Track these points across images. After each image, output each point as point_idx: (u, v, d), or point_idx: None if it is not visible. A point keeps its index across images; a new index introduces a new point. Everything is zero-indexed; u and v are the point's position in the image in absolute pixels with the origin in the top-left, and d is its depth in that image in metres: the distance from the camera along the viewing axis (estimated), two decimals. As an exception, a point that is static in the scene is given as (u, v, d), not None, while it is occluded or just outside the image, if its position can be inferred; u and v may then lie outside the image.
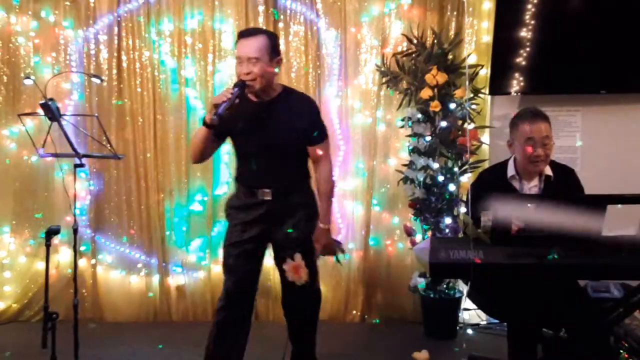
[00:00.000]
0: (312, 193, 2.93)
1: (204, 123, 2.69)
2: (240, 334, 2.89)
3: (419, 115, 3.99)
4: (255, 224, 2.81)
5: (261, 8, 4.21)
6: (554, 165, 2.96)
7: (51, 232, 3.02)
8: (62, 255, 4.33)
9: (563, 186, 2.91)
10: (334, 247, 2.94)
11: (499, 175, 2.96)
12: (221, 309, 2.87)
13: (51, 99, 2.94)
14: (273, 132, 2.75)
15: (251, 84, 2.69)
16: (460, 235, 3.94)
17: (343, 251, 3.01)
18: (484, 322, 4.11)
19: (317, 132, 2.85)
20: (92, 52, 4.26)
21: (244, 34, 2.78)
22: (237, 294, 2.85)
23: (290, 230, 2.80)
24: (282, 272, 2.89)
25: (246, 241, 2.82)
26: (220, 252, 4.19)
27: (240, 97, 2.67)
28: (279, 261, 2.87)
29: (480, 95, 4.08)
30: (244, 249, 2.83)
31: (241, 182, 2.88)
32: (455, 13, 4.15)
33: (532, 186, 2.93)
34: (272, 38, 2.80)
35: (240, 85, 2.66)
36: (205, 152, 2.83)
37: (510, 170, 2.94)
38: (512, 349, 2.81)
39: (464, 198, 3.99)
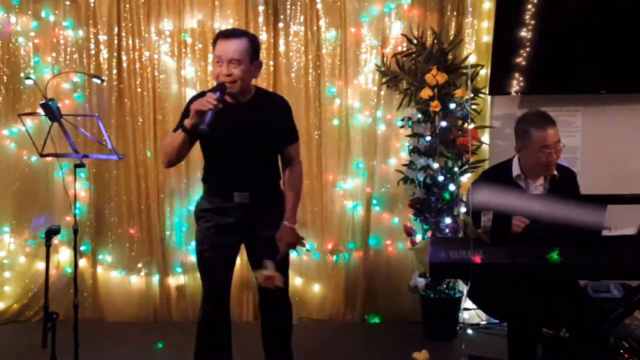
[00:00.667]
0: (282, 194, 2.92)
1: (184, 129, 2.61)
2: (228, 329, 2.95)
3: (419, 115, 4.00)
4: (231, 227, 2.77)
5: (261, 8, 4.21)
6: (558, 166, 2.97)
7: (51, 232, 3.01)
8: (62, 255, 4.33)
9: (568, 187, 2.92)
10: (297, 243, 2.92)
11: (503, 174, 2.96)
12: (207, 313, 2.89)
13: (51, 99, 2.94)
14: (251, 134, 2.73)
15: (230, 86, 2.65)
16: (460, 235, 3.95)
17: (304, 245, 2.99)
18: (484, 322, 4.11)
19: (290, 132, 2.89)
20: (92, 52, 4.26)
21: (225, 34, 2.72)
22: (219, 296, 2.89)
23: (266, 233, 2.80)
24: (256, 271, 2.89)
25: (224, 245, 2.80)
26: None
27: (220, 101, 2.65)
28: (255, 263, 2.85)
29: (480, 95, 4.09)
30: (222, 252, 2.81)
31: (215, 185, 2.81)
32: (455, 13, 4.15)
33: (538, 185, 2.94)
34: (254, 41, 2.76)
35: (221, 90, 2.61)
36: (180, 157, 2.75)
37: (516, 170, 2.95)
38: (512, 349, 2.81)
39: (464, 198, 3.99)
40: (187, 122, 2.61)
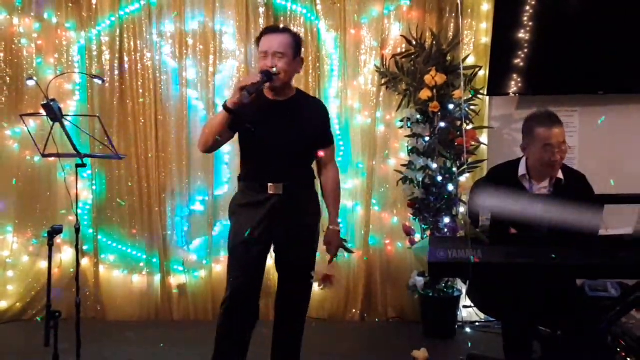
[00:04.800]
0: (317, 194, 2.95)
1: (226, 108, 2.64)
2: (252, 328, 2.90)
3: (418, 116, 4.02)
4: (263, 222, 2.77)
5: (262, 10, 4.23)
6: (566, 169, 2.98)
7: (54, 232, 3.03)
8: (65, 255, 4.36)
9: (574, 191, 2.92)
10: (342, 246, 2.98)
11: (509, 173, 2.98)
12: (231, 310, 2.81)
13: (53, 100, 2.96)
14: (290, 131, 2.74)
15: (275, 77, 2.69)
16: (459, 234, 3.97)
17: (349, 249, 3.05)
18: (483, 321, 4.13)
19: (328, 136, 2.93)
20: (94, 53, 4.29)
21: (270, 30, 2.82)
22: (248, 292, 2.84)
23: (298, 230, 2.81)
24: (281, 270, 2.92)
25: (256, 240, 2.78)
26: (222, 252, 4.29)
27: (259, 93, 2.68)
28: (282, 259, 2.88)
29: (478, 96, 4.11)
30: (253, 248, 2.79)
31: (250, 179, 2.83)
32: (453, 14, 4.18)
33: (542, 187, 2.95)
34: (297, 38, 2.83)
35: (267, 73, 2.65)
36: (218, 140, 2.74)
37: (522, 170, 2.97)
38: (507, 348, 2.83)
39: (463, 198, 4.02)
40: (230, 101, 2.64)
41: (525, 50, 3.99)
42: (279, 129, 2.74)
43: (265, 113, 2.72)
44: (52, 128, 3.01)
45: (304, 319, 2.99)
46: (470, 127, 4.06)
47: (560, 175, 2.94)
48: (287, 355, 2.98)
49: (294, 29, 4.24)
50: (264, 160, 2.76)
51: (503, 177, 2.98)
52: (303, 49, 2.91)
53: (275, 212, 2.76)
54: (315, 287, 4.18)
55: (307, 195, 2.89)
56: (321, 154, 2.89)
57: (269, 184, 2.75)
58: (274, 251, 2.93)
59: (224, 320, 2.84)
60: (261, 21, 4.23)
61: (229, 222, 2.93)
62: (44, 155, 3.13)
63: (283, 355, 2.98)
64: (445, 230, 4.01)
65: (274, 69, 2.67)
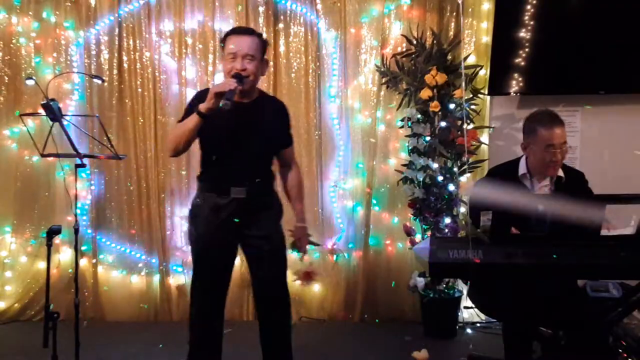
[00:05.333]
0: (277, 194, 2.95)
1: (200, 114, 2.61)
2: (222, 328, 2.93)
3: (419, 116, 4.01)
4: (227, 226, 2.76)
5: (261, 9, 4.22)
6: (565, 167, 2.98)
7: (52, 232, 3.02)
8: (63, 255, 4.34)
9: (574, 189, 2.92)
10: (310, 241, 3.02)
11: (510, 173, 2.98)
12: (201, 313, 2.85)
13: (52, 99, 2.95)
14: (253, 135, 2.74)
15: (246, 80, 2.68)
16: (460, 234, 3.96)
17: (316, 243, 3.09)
18: (484, 322, 4.13)
19: (289, 135, 2.96)
20: (93, 52, 4.28)
21: (239, 31, 2.78)
22: (217, 295, 2.87)
23: (263, 232, 2.81)
24: (253, 270, 2.90)
25: (221, 242, 2.79)
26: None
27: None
28: (251, 260, 2.87)
29: (479, 95, 4.10)
30: (219, 250, 2.80)
31: (212, 180, 2.80)
32: (454, 14, 4.17)
33: (543, 185, 2.95)
34: (264, 40, 2.83)
35: (238, 77, 2.64)
36: (188, 144, 2.73)
37: (522, 169, 2.97)
38: (508, 349, 2.82)
39: (464, 198, 4.00)
40: (203, 106, 2.61)
41: (526, 50, 3.98)
42: (243, 132, 2.73)
43: (229, 115, 2.67)
44: (51, 128, 3.00)
45: (289, 318, 2.96)
46: (471, 126, 4.05)
47: (560, 173, 2.94)
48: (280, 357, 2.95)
49: (296, 28, 4.25)
50: (226, 163, 2.75)
51: (503, 176, 2.98)
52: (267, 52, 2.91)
53: (239, 214, 2.75)
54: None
55: (269, 195, 2.89)
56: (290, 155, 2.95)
57: (232, 188, 2.73)
58: (245, 254, 2.91)
59: (192, 340, 2.87)
60: (261, 20, 4.22)
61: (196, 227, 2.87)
62: (43, 155, 3.12)
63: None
64: (446, 230, 4.00)
65: (244, 72, 2.67)
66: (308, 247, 3.01)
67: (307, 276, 2.72)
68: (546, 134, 2.83)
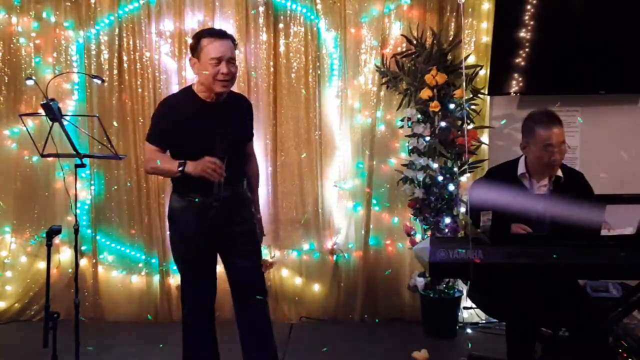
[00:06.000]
0: (246, 189, 3.02)
1: (182, 172, 2.68)
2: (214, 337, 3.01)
3: (419, 116, 4.01)
4: (211, 224, 2.76)
5: (261, 9, 4.22)
6: (564, 167, 2.98)
7: (52, 232, 3.02)
8: (63, 255, 4.34)
9: (573, 189, 2.92)
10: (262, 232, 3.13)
11: (509, 173, 2.98)
12: (192, 314, 2.92)
13: (52, 99, 2.95)
14: (231, 132, 2.76)
15: (228, 85, 2.75)
16: (461, 234, 3.96)
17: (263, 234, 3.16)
18: (484, 322, 4.13)
19: (252, 130, 3.06)
20: (93, 52, 4.27)
21: (220, 34, 2.78)
22: (207, 295, 2.94)
23: (243, 227, 2.90)
24: (235, 262, 2.94)
25: (206, 241, 2.81)
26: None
27: (191, 96, 2.79)
28: (232, 254, 2.93)
29: (479, 95, 4.10)
30: (205, 249, 2.84)
31: (192, 183, 2.77)
32: (454, 14, 4.17)
33: (542, 185, 2.95)
34: (236, 44, 2.88)
35: (224, 158, 2.69)
36: None
37: (521, 168, 2.97)
38: (510, 349, 2.82)
39: (464, 198, 4.00)
40: (189, 170, 2.68)
41: (526, 50, 3.98)
42: (215, 129, 2.73)
43: (200, 115, 2.72)
44: (51, 128, 3.00)
45: (267, 311, 3.02)
46: (471, 126, 4.05)
47: (559, 173, 2.94)
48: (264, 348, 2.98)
49: (296, 28, 4.25)
50: None
51: (502, 176, 2.98)
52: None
53: (222, 212, 2.75)
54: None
55: (243, 191, 2.95)
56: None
57: (214, 186, 2.72)
58: (225, 248, 2.94)
59: (187, 337, 2.94)
60: (260, 20, 4.22)
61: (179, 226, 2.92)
62: (43, 155, 3.12)
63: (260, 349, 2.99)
64: (446, 230, 4.00)
65: (226, 82, 2.74)
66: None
67: (269, 266, 2.86)
68: (544, 134, 2.84)
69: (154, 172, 2.94)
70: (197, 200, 2.79)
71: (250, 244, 2.94)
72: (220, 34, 2.79)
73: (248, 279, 2.95)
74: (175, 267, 4.31)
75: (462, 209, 3.99)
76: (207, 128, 2.74)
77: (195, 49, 2.77)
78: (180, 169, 2.70)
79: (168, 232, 3.09)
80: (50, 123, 2.97)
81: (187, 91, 2.86)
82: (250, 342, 2.97)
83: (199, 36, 2.79)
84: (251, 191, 3.05)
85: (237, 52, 2.88)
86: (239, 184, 2.93)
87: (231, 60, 2.74)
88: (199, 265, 2.86)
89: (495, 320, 3.87)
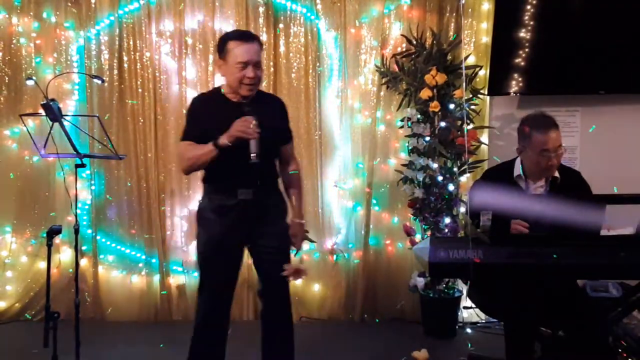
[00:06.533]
0: (282, 194, 2.95)
1: (217, 145, 2.63)
2: (226, 332, 2.91)
3: (419, 116, 4.01)
4: (234, 225, 2.75)
5: (261, 9, 4.22)
6: (561, 167, 2.97)
7: (52, 232, 3.02)
8: (64, 255, 4.34)
9: (570, 188, 2.92)
10: (306, 238, 3.05)
11: (505, 174, 2.97)
12: (207, 315, 2.83)
13: (52, 100, 2.95)
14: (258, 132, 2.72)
15: (251, 93, 2.71)
16: (460, 234, 3.96)
17: (312, 240, 3.03)
18: (484, 321, 4.13)
19: (289, 131, 2.96)
20: (93, 52, 4.28)
21: (247, 37, 2.74)
22: (223, 297, 2.86)
23: (272, 230, 2.81)
24: (261, 270, 2.88)
25: (229, 244, 2.77)
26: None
27: (220, 97, 2.76)
28: (260, 259, 2.86)
29: (479, 95, 4.10)
30: (227, 252, 2.79)
31: (218, 183, 2.78)
32: (454, 14, 4.17)
33: (538, 186, 2.94)
34: (262, 44, 2.84)
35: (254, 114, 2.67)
36: (204, 168, 2.77)
37: (517, 170, 2.96)
38: (509, 349, 2.82)
39: (464, 198, 4.01)
40: (223, 141, 2.62)
41: (526, 50, 3.99)
42: None
43: (229, 115, 2.66)
44: (51, 128, 3.01)
45: (292, 317, 2.95)
46: (470, 126, 4.06)
47: (556, 173, 2.93)
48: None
49: (296, 28, 4.25)
50: (232, 163, 2.71)
51: (499, 178, 2.97)
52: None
53: (246, 216, 2.74)
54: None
55: (275, 195, 2.89)
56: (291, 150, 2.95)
57: (239, 190, 2.72)
58: (252, 254, 2.89)
59: (195, 344, 2.85)
60: (261, 20, 4.22)
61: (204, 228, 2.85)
62: (43, 155, 3.12)
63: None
64: (446, 230, 4.00)
65: (252, 86, 2.70)
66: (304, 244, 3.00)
67: (297, 273, 2.74)
68: (541, 139, 2.82)
69: (191, 163, 2.74)
70: (222, 201, 2.75)
71: (278, 251, 2.82)
72: (248, 37, 2.74)
73: (274, 288, 2.85)
74: (175, 267, 4.35)
75: (462, 209, 3.99)
76: (229, 125, 2.66)
77: (221, 51, 2.73)
78: (214, 143, 2.63)
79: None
80: (51, 123, 2.97)
81: (216, 91, 2.83)
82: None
83: (226, 38, 2.74)
84: (289, 195, 2.96)
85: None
86: (271, 187, 2.86)
87: (258, 64, 2.70)
88: (219, 266, 2.79)
89: (494, 320, 3.88)
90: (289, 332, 2.92)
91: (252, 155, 2.60)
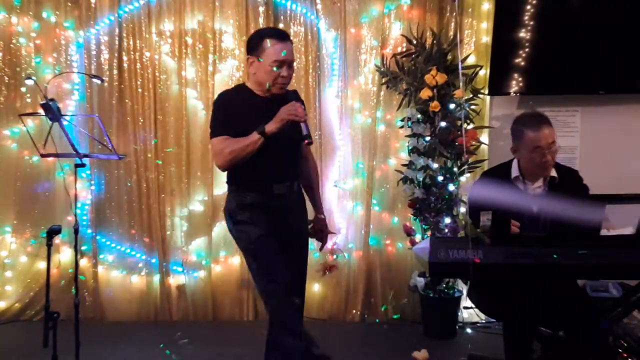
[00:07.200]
0: (301, 188, 2.93)
1: (262, 134, 2.57)
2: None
3: (419, 116, 4.01)
4: (272, 221, 2.69)
5: (261, 9, 4.22)
6: (558, 166, 2.97)
7: (52, 232, 3.02)
8: (64, 255, 4.34)
9: (568, 188, 2.91)
10: (330, 232, 3.01)
11: (502, 176, 2.96)
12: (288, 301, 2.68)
13: (52, 100, 2.95)
14: (288, 126, 2.66)
15: (282, 92, 2.69)
16: (460, 234, 3.96)
17: (333, 232, 3.03)
18: (484, 321, 4.13)
19: (309, 127, 2.89)
20: (93, 52, 4.27)
21: (284, 36, 2.71)
22: (290, 283, 2.70)
23: (300, 224, 2.82)
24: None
25: (271, 235, 2.69)
26: (220, 252, 4.29)
27: (247, 92, 2.73)
28: (289, 254, 2.76)
29: (479, 95, 4.10)
30: (274, 243, 2.69)
31: (252, 181, 2.71)
32: (454, 14, 4.16)
33: (536, 187, 2.93)
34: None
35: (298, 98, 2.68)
36: (245, 161, 2.66)
37: (514, 171, 2.95)
38: (508, 349, 2.82)
39: (464, 198, 4.00)
40: (270, 128, 2.57)
41: (526, 50, 3.99)
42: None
43: (260, 111, 2.63)
44: (51, 128, 3.00)
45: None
46: (470, 126, 4.05)
47: (553, 173, 2.93)
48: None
49: (296, 28, 4.25)
50: (266, 160, 2.65)
51: (497, 179, 2.97)
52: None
53: (281, 212, 2.71)
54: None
55: (299, 190, 2.88)
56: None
57: (274, 185, 2.70)
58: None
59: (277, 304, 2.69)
60: (261, 20, 4.22)
61: (232, 226, 2.77)
62: (42, 155, 3.12)
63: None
64: (446, 230, 4.00)
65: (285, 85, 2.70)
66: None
67: (331, 268, 2.73)
68: (533, 136, 2.82)
69: (234, 155, 2.62)
70: (256, 197, 2.70)
71: (300, 249, 2.80)
72: (284, 36, 2.71)
73: (292, 287, 2.73)
74: (175, 267, 4.35)
75: (462, 209, 3.99)
76: (267, 121, 2.62)
77: (256, 49, 2.67)
78: (260, 132, 2.57)
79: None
80: (50, 123, 2.97)
81: (242, 88, 2.80)
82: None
83: (261, 35, 2.70)
84: (308, 191, 2.94)
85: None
86: (297, 183, 2.84)
87: (291, 64, 2.69)
88: (273, 259, 2.68)
89: (494, 320, 3.87)
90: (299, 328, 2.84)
91: (305, 137, 2.58)
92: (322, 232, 2.93)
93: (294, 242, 2.79)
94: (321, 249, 3.01)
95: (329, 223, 4.24)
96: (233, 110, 2.70)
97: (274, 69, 2.64)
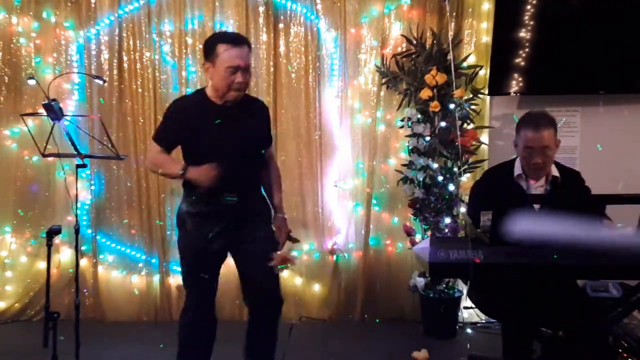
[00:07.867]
0: (265, 198, 2.93)
1: (184, 174, 2.64)
2: (214, 332, 2.92)
3: (419, 116, 4.01)
4: (222, 231, 2.72)
5: (261, 9, 4.22)
6: (560, 167, 2.97)
7: (52, 232, 3.03)
8: (64, 255, 4.34)
9: (570, 189, 2.91)
10: (291, 236, 2.96)
11: (505, 174, 2.97)
12: (196, 319, 2.84)
13: (54, 100, 2.95)
14: (241, 135, 2.71)
15: (237, 98, 2.69)
16: (461, 234, 3.96)
17: (296, 240, 2.99)
18: (484, 321, 4.13)
19: (270, 135, 2.97)
20: (93, 52, 4.27)
21: (238, 41, 2.67)
22: (210, 302, 2.86)
23: (258, 234, 2.79)
24: (245, 271, 2.85)
25: (215, 251, 2.75)
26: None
27: (204, 100, 2.73)
28: (245, 262, 2.82)
29: (479, 95, 4.10)
30: (212, 258, 2.78)
31: (201, 188, 2.68)
32: (454, 14, 4.17)
33: (538, 186, 2.94)
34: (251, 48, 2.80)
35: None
36: None
37: (517, 169, 2.96)
38: (507, 349, 2.82)
39: (464, 198, 4.01)
40: (190, 175, 2.62)
41: (526, 50, 3.99)
42: (229, 134, 2.68)
43: (213, 118, 2.64)
44: (52, 128, 3.00)
45: (279, 315, 2.90)
46: (470, 126, 4.06)
47: (556, 172, 2.93)
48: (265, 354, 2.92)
49: (296, 28, 4.25)
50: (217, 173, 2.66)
51: (499, 177, 2.97)
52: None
53: (233, 220, 2.73)
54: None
55: (259, 200, 2.88)
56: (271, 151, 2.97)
57: (224, 194, 2.69)
58: (236, 256, 2.86)
59: (188, 332, 2.86)
60: (261, 20, 4.22)
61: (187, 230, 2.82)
62: (44, 155, 3.12)
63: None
64: (446, 230, 4.00)
65: (239, 92, 2.69)
66: (287, 242, 2.93)
67: (284, 261, 2.68)
68: (527, 136, 2.83)
69: (153, 170, 2.91)
70: (205, 206, 2.73)
71: (262, 250, 2.77)
72: (238, 41, 2.66)
73: (261, 285, 2.80)
74: (175, 267, 4.35)
75: (462, 209, 3.99)
76: (219, 131, 2.66)
77: (209, 54, 2.66)
78: (183, 169, 2.64)
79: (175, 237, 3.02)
80: (51, 123, 2.97)
81: (200, 94, 2.79)
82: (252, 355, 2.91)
83: (214, 40, 2.67)
84: (270, 196, 2.94)
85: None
86: (255, 192, 2.85)
87: (247, 69, 2.65)
88: (202, 270, 2.77)
89: (494, 320, 3.87)
90: (275, 331, 2.87)
91: (230, 199, 2.66)
92: (279, 229, 2.87)
93: (250, 251, 2.76)
94: (281, 247, 2.88)
95: (329, 223, 4.33)
96: (182, 119, 2.72)
97: (229, 74, 2.62)
